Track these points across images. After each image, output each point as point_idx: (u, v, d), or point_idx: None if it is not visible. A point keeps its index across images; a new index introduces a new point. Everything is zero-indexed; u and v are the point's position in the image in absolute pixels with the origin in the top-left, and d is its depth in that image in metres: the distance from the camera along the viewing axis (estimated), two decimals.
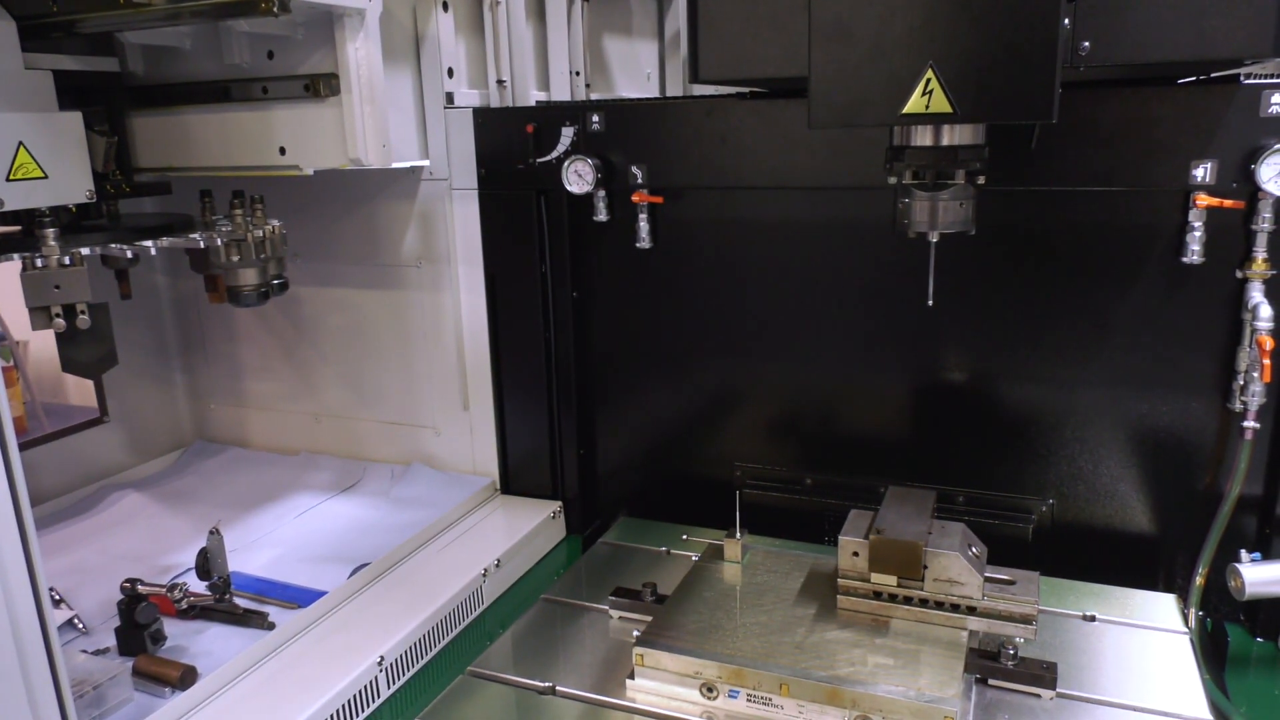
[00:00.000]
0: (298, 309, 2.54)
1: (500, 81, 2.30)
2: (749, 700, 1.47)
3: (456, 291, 2.30)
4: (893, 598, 1.61)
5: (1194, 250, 1.70)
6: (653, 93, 3.05)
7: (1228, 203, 1.65)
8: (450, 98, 2.19)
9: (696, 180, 2.01)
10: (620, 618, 1.77)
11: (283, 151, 1.90)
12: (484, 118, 2.17)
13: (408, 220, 2.32)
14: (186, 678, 1.59)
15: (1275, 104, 1.59)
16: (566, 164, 2.03)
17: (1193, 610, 1.77)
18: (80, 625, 1.80)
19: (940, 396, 2.00)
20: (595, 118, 2.04)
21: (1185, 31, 1.43)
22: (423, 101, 2.19)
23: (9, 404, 1.18)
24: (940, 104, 1.36)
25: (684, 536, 2.09)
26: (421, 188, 2.28)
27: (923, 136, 1.51)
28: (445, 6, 2.13)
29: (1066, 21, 1.37)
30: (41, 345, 2.42)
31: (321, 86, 1.82)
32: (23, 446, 1.23)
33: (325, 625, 1.77)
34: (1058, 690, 1.50)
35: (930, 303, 1.68)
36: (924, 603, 1.59)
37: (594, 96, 2.64)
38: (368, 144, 1.83)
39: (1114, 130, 1.70)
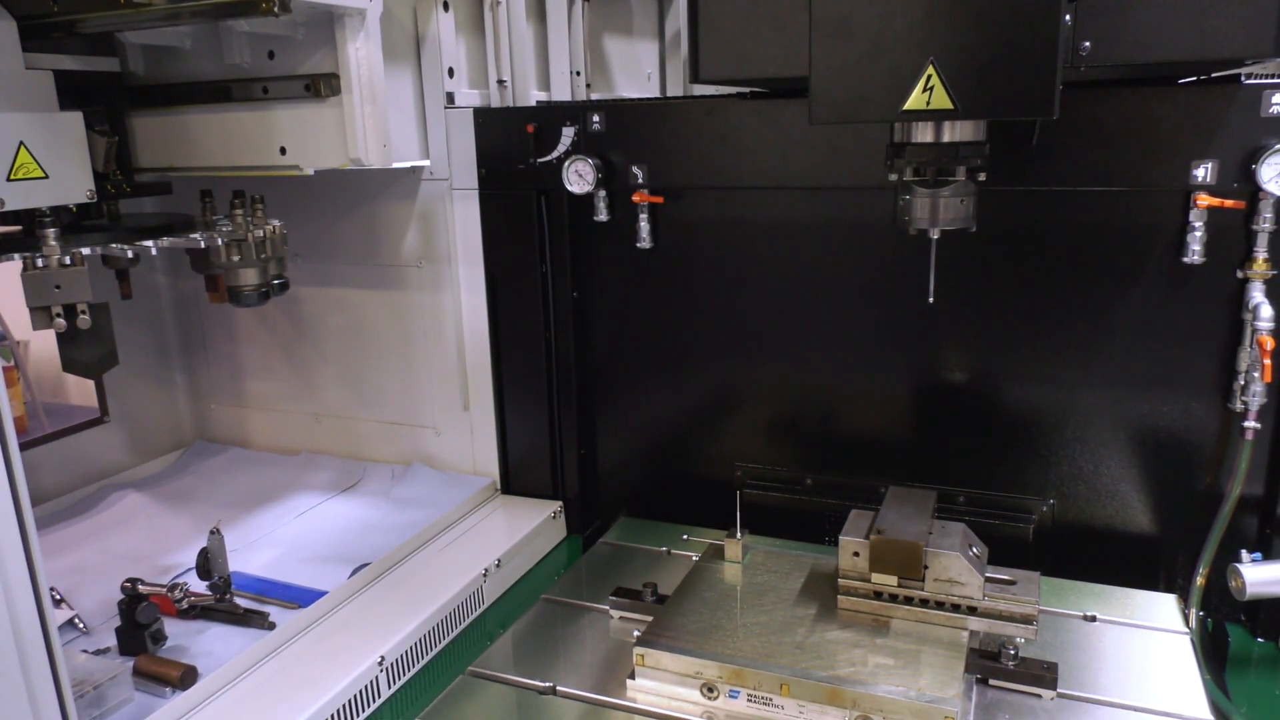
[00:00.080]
0: (298, 309, 2.54)
1: (501, 81, 2.30)
2: (749, 700, 1.47)
3: (457, 291, 2.30)
4: (893, 598, 1.60)
5: (1195, 250, 1.70)
6: (653, 93, 3.05)
7: (1228, 203, 1.65)
8: (451, 98, 2.19)
9: (697, 180, 2.01)
10: (621, 618, 1.77)
11: (283, 151, 1.90)
12: (484, 118, 2.17)
13: (408, 220, 2.32)
14: (187, 678, 1.59)
15: (1276, 104, 1.59)
16: (567, 164, 2.03)
17: (1193, 610, 1.76)
18: (81, 625, 1.80)
19: (941, 396, 2.00)
20: (596, 118, 2.04)
21: (1186, 31, 1.43)
22: (423, 101, 2.19)
23: (9, 404, 1.18)
24: (941, 100, 1.35)
25: (684, 536, 2.09)
26: (422, 188, 2.28)
27: (923, 133, 1.51)
28: (446, 6, 2.14)
29: (1068, 18, 1.37)
30: (42, 345, 2.42)
31: (322, 86, 1.82)
32: (23, 446, 1.23)
33: (326, 625, 1.77)
34: (1058, 690, 1.49)
35: (931, 300, 1.68)
36: (924, 603, 1.59)
37: (594, 96, 2.64)
38: (368, 144, 1.83)
39: (1115, 130, 1.70)
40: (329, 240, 2.42)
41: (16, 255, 1.52)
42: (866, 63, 1.37)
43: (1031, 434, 1.93)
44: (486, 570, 1.98)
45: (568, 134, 2.06)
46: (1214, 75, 1.68)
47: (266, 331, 2.62)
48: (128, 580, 1.78)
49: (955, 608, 1.57)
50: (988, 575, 1.57)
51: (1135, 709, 1.48)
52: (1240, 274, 1.70)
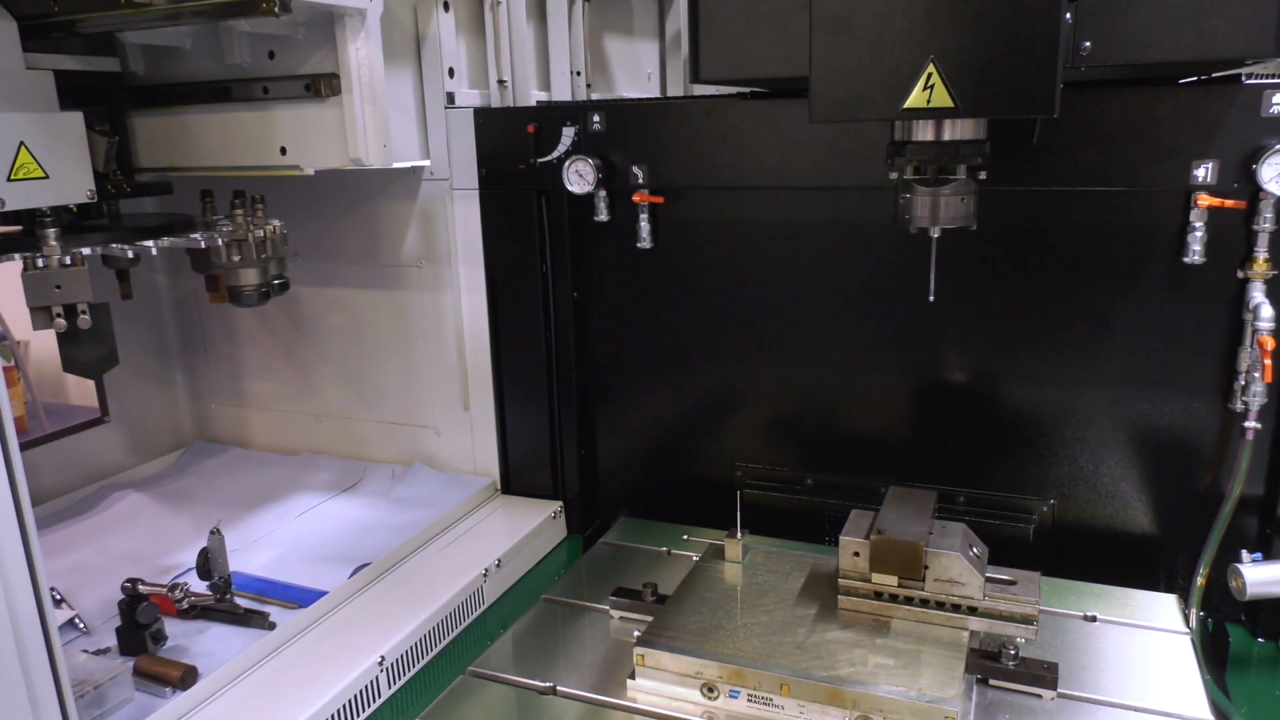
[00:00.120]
0: (298, 309, 2.54)
1: (501, 81, 2.30)
2: (749, 700, 1.47)
3: (457, 291, 2.30)
4: (893, 598, 1.60)
5: (1195, 250, 1.69)
6: (653, 93, 3.05)
7: (1229, 203, 1.65)
8: (451, 98, 2.19)
9: (697, 180, 2.01)
10: (621, 618, 1.77)
11: (283, 151, 1.90)
12: (485, 118, 2.17)
13: (408, 220, 2.32)
14: (187, 678, 1.59)
15: (1276, 104, 1.59)
16: (567, 164, 2.03)
17: (1194, 610, 1.76)
18: (81, 625, 1.80)
19: (941, 397, 2.00)
20: (596, 118, 2.04)
21: (1186, 31, 1.43)
22: (423, 101, 2.19)
23: (9, 404, 1.18)
24: (941, 98, 1.35)
25: (684, 536, 2.09)
26: (422, 188, 2.28)
27: (924, 131, 1.51)
28: (446, 6, 2.14)
29: (1069, 16, 1.37)
30: (42, 345, 2.43)
31: (322, 86, 1.82)
32: (23, 446, 1.23)
33: (326, 625, 1.77)
34: (1059, 690, 1.49)
35: (931, 299, 1.68)
36: (925, 603, 1.59)
37: (595, 96, 2.64)
38: (368, 144, 1.83)
39: (1115, 130, 1.70)
40: (329, 240, 2.42)
41: (17, 255, 1.52)
42: (867, 61, 1.37)
43: (1032, 434, 1.93)
44: (487, 570, 1.98)
45: (568, 134, 2.06)
46: (1214, 75, 1.68)
47: (267, 331, 2.62)
48: (128, 580, 1.78)
49: (955, 608, 1.57)
50: (988, 575, 1.57)
51: (1135, 709, 1.48)
52: (1241, 274, 1.70)
